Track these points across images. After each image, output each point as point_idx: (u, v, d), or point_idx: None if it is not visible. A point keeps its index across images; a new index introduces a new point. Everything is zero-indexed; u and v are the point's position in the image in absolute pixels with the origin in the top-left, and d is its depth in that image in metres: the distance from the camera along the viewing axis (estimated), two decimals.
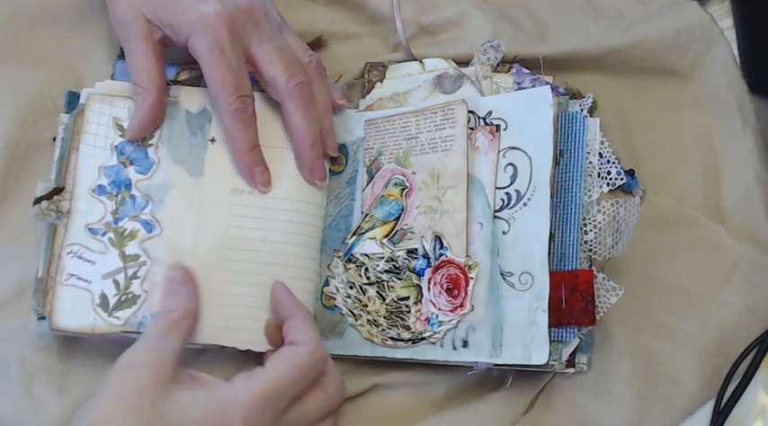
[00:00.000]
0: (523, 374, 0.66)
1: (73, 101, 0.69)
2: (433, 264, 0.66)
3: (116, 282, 0.65)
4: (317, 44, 0.75)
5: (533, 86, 0.68)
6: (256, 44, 0.67)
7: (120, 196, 0.67)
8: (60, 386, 0.66)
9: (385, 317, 0.67)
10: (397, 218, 0.68)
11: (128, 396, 0.55)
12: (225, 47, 0.65)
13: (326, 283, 0.70)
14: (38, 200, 0.65)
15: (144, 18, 0.66)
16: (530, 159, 0.65)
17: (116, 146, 0.68)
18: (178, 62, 0.71)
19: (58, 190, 0.66)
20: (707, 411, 0.66)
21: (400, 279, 0.67)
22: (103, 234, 0.66)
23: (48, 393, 0.65)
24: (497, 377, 0.67)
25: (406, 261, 0.67)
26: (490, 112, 0.67)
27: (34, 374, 0.66)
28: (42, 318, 0.65)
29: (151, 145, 0.68)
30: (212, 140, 0.69)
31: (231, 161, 0.68)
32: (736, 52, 0.76)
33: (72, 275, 0.65)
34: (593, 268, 0.63)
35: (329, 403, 0.62)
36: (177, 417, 0.55)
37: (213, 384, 0.58)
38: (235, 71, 0.66)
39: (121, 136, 0.68)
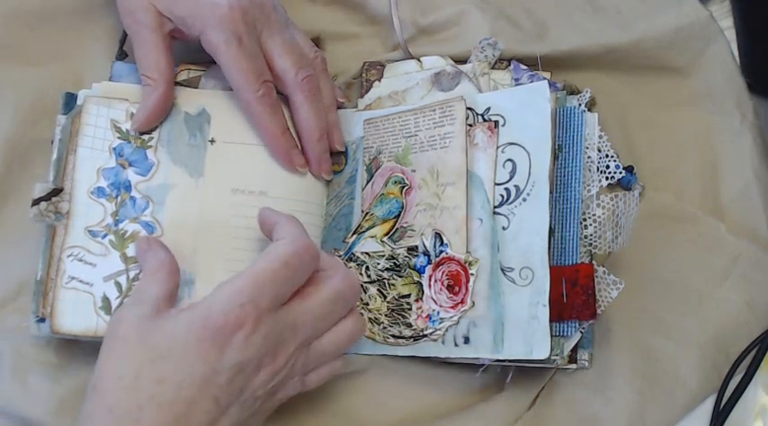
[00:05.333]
0: (526, 371, 0.66)
1: (70, 102, 0.68)
2: (433, 261, 0.66)
3: (118, 284, 0.65)
4: (315, 44, 0.76)
5: (531, 82, 0.69)
6: (266, 36, 0.68)
7: (119, 198, 0.67)
8: (55, 378, 0.66)
9: (386, 315, 0.67)
10: (397, 216, 0.68)
11: (117, 346, 0.57)
12: (242, 37, 0.65)
13: None
14: (36, 202, 0.65)
15: (155, 9, 0.66)
16: (528, 154, 0.65)
17: (114, 148, 0.68)
18: (176, 62, 0.70)
19: (56, 192, 0.66)
20: (707, 410, 0.66)
21: (401, 277, 0.67)
22: (104, 236, 0.66)
23: (42, 383, 0.65)
24: (501, 378, 0.67)
25: (407, 259, 0.67)
26: (488, 109, 0.67)
27: (29, 366, 0.66)
28: (42, 320, 0.65)
29: (150, 146, 0.68)
30: (212, 141, 0.69)
31: (232, 161, 0.68)
32: (735, 52, 0.77)
33: (73, 278, 0.65)
34: (593, 262, 0.63)
35: (339, 295, 0.60)
36: (166, 342, 0.56)
37: (199, 302, 0.58)
38: (255, 59, 0.66)
39: (119, 138, 0.68)
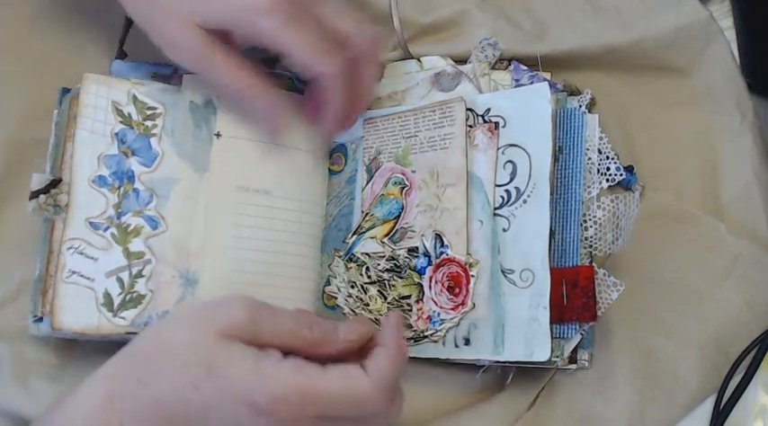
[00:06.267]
0: (526, 371, 0.66)
1: (67, 95, 0.67)
2: (433, 262, 0.66)
3: (120, 280, 0.64)
4: None
5: (531, 83, 0.69)
6: (318, 7, 0.65)
7: (122, 189, 0.65)
8: (55, 378, 0.66)
9: (387, 316, 0.67)
10: (398, 217, 0.68)
11: (197, 326, 0.56)
12: (295, 14, 0.62)
13: (328, 283, 0.70)
14: (35, 194, 0.63)
15: (198, 29, 0.63)
16: (529, 156, 0.65)
17: (116, 133, 0.66)
18: None
19: (55, 183, 0.64)
20: (706, 410, 0.67)
21: (401, 278, 0.67)
22: (106, 229, 0.64)
23: (42, 383, 0.65)
24: (501, 378, 0.67)
25: (407, 260, 0.67)
26: (488, 110, 0.67)
27: (29, 366, 0.66)
28: (39, 319, 0.64)
29: (154, 134, 0.66)
30: (218, 135, 0.68)
31: (237, 157, 0.67)
32: (735, 52, 0.77)
33: (74, 272, 0.63)
34: (593, 264, 0.63)
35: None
36: (221, 362, 0.55)
37: (270, 354, 0.56)
38: (316, 31, 0.63)
39: (121, 122, 0.66)
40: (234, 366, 0.55)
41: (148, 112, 0.67)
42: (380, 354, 0.57)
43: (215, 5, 0.63)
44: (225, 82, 0.65)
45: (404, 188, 0.69)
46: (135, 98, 0.67)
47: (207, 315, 0.57)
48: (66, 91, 0.67)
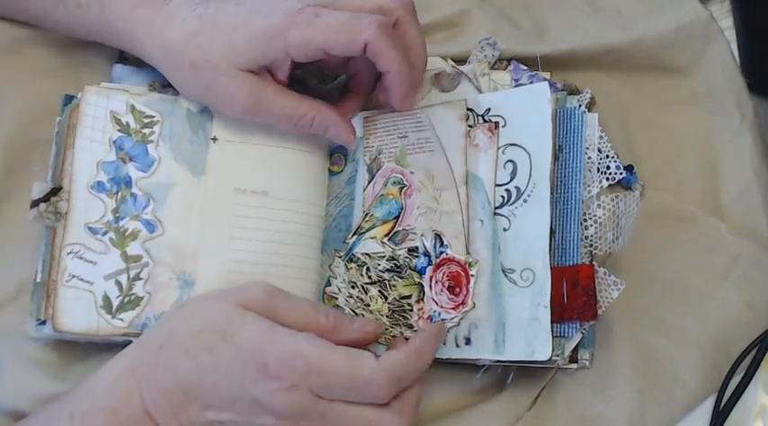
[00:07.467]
0: (527, 371, 0.66)
1: (69, 103, 0.68)
2: (434, 262, 0.66)
3: (118, 283, 0.65)
4: None
5: (531, 83, 0.69)
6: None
7: (120, 194, 0.66)
8: (55, 378, 0.66)
9: (387, 316, 0.67)
10: (397, 217, 0.68)
11: (217, 298, 0.61)
12: (317, 12, 0.63)
13: (328, 283, 0.70)
14: (35, 203, 0.64)
15: (245, 74, 0.64)
16: (529, 155, 0.65)
17: (114, 141, 0.67)
18: None
19: (55, 191, 0.65)
20: (707, 410, 0.67)
21: (402, 278, 0.67)
22: (104, 233, 0.65)
23: (42, 383, 0.65)
24: (501, 378, 0.67)
25: (408, 260, 0.67)
26: (489, 110, 0.67)
27: (30, 366, 0.66)
28: (42, 323, 0.64)
29: (151, 141, 0.67)
30: (214, 139, 0.68)
31: (234, 160, 0.68)
32: (735, 52, 0.77)
33: (73, 276, 0.64)
34: (593, 263, 0.63)
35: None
36: (237, 326, 0.58)
37: (285, 327, 0.59)
38: (342, 15, 0.64)
39: (119, 130, 0.67)
40: (249, 328, 0.57)
41: (146, 121, 0.68)
42: (398, 349, 0.59)
43: (248, 37, 0.64)
44: (287, 121, 0.67)
45: (402, 188, 0.68)
46: (133, 108, 0.68)
47: (227, 291, 0.61)
48: (68, 98, 0.68)
